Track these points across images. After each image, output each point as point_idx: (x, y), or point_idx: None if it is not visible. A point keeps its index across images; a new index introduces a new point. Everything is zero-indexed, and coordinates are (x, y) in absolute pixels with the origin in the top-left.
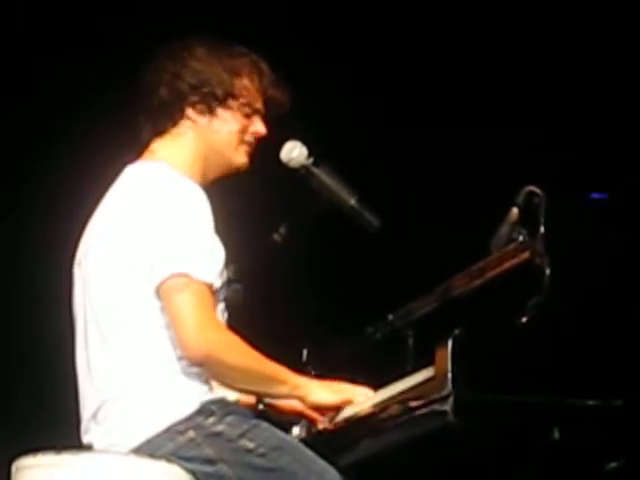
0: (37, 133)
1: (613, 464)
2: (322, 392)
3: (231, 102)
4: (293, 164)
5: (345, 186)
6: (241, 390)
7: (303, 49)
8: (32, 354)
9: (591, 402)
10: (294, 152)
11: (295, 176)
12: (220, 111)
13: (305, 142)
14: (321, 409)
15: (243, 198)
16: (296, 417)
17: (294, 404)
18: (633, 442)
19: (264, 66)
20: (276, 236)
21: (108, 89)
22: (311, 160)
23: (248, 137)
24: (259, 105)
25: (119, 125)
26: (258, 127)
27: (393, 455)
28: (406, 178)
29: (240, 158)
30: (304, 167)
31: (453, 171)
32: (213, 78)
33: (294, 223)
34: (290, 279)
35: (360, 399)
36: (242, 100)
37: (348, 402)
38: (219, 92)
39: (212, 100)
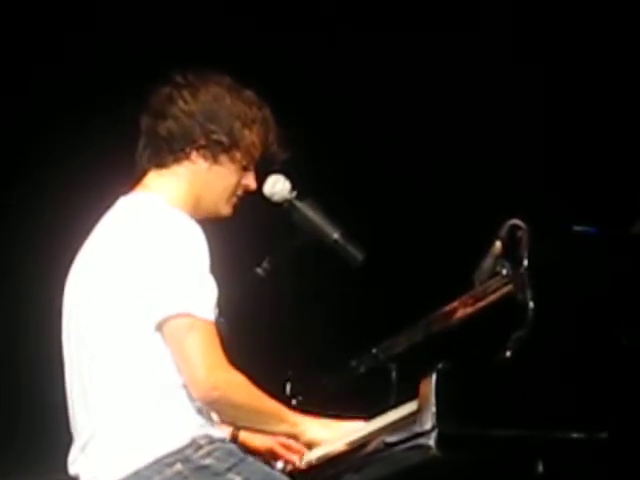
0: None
1: None
2: (318, 430)
3: (235, 153)
4: (276, 198)
5: (329, 220)
6: (243, 428)
7: (289, 84)
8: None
9: (575, 435)
10: (277, 186)
11: (278, 210)
12: (223, 159)
13: (288, 176)
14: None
15: (226, 232)
16: (268, 455)
17: (267, 442)
18: (618, 475)
19: (273, 122)
20: (259, 270)
21: (100, 112)
22: (294, 194)
23: (239, 191)
24: (257, 159)
25: (112, 151)
26: (250, 182)
27: None
28: (390, 211)
29: (227, 210)
30: (287, 201)
31: (437, 204)
32: (225, 125)
33: (278, 257)
34: (273, 313)
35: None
36: (246, 154)
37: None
38: (227, 141)
39: (218, 148)
